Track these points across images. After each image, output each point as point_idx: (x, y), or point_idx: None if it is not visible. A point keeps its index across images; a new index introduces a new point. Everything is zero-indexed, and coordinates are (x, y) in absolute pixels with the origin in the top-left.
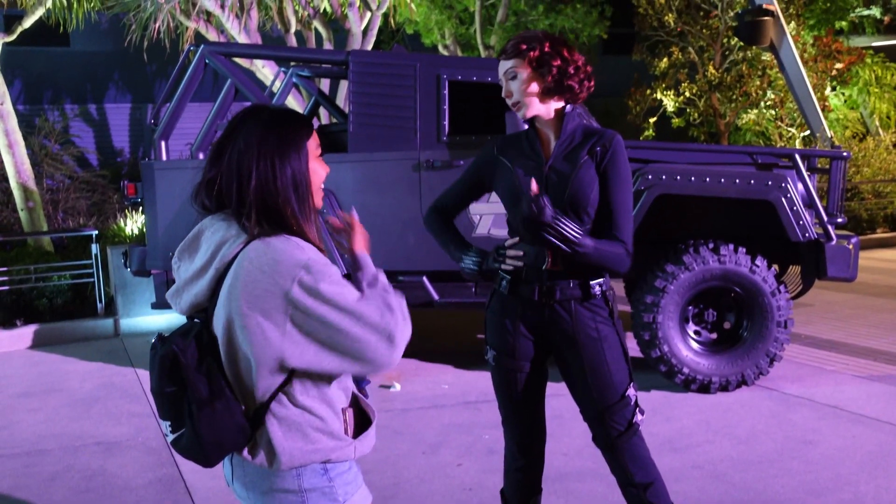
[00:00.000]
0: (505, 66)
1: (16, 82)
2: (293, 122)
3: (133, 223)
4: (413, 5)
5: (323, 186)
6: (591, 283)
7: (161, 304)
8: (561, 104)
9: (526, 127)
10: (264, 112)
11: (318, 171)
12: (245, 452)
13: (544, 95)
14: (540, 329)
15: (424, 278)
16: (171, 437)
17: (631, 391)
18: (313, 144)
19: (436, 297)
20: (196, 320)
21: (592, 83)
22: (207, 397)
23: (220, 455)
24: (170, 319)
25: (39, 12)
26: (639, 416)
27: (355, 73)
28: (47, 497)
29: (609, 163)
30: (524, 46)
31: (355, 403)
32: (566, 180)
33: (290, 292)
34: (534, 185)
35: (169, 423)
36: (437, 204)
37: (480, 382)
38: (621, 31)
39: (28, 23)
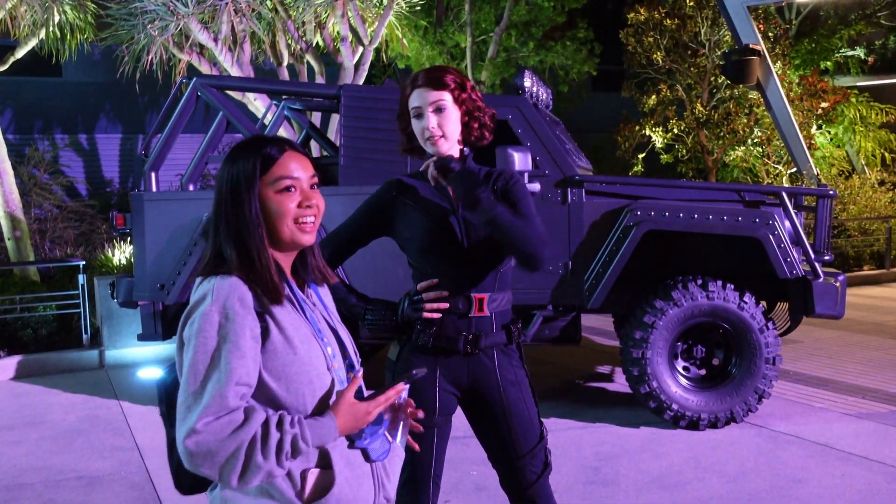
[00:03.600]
0: (431, 96)
1: (6, 111)
2: (251, 151)
3: (121, 253)
4: (405, 41)
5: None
6: (511, 327)
7: (147, 336)
8: (460, 145)
9: (519, 159)
10: (241, 143)
11: (283, 202)
12: (211, 486)
13: (461, 133)
14: (460, 380)
15: None
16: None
17: (545, 430)
18: (279, 174)
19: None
20: None
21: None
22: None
23: (187, 488)
24: (157, 351)
25: (32, 43)
26: (550, 457)
27: (347, 106)
28: None
29: (509, 190)
30: (452, 79)
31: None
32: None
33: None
34: (432, 169)
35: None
36: (325, 245)
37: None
38: (610, 67)
39: (21, 53)
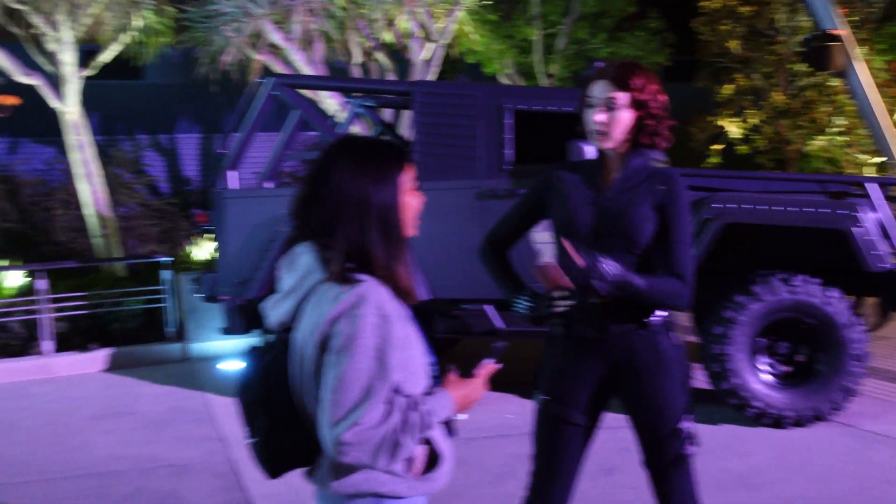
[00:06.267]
0: (604, 91)
1: (93, 115)
2: (385, 152)
3: (201, 250)
4: (477, 35)
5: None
6: (645, 311)
7: (230, 330)
8: (630, 141)
9: (588, 156)
10: (357, 142)
11: (411, 204)
12: (308, 471)
13: (630, 132)
14: (598, 369)
15: (485, 306)
16: (248, 441)
17: (685, 423)
18: (407, 177)
19: (497, 325)
20: (281, 337)
21: (670, 135)
22: (276, 412)
23: (281, 468)
24: (238, 344)
25: (116, 48)
26: (691, 449)
27: (419, 103)
28: None
29: (669, 201)
30: (631, 78)
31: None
32: (621, 213)
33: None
34: (574, 255)
35: (247, 428)
36: (492, 236)
37: None
38: (683, 57)
39: (106, 58)
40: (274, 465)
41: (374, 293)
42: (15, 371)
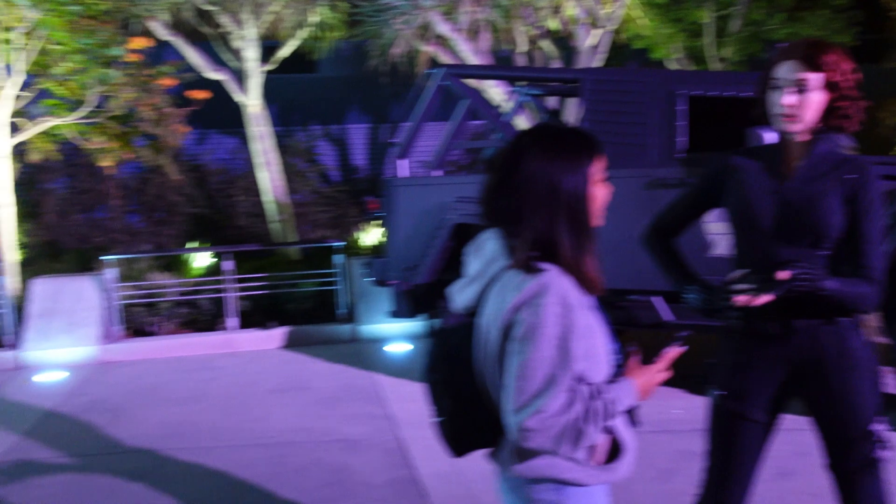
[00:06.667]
0: (793, 72)
1: (271, 107)
2: (577, 142)
3: (369, 235)
4: (646, 20)
5: None
6: (830, 305)
7: (398, 314)
8: (819, 125)
9: (767, 141)
10: (549, 130)
11: (600, 195)
12: (490, 452)
13: (821, 116)
14: (780, 366)
15: (653, 298)
16: (434, 420)
17: (876, 425)
18: (597, 167)
19: (665, 317)
20: (466, 321)
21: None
22: (460, 394)
23: (465, 447)
24: (405, 328)
25: (294, 43)
26: (882, 453)
27: (588, 90)
28: (299, 486)
29: (860, 193)
30: (830, 60)
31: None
32: (808, 204)
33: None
34: (782, 275)
35: (433, 407)
36: (658, 223)
37: None
38: (871, 37)
39: (285, 52)
40: (458, 444)
41: (556, 282)
42: (204, 344)
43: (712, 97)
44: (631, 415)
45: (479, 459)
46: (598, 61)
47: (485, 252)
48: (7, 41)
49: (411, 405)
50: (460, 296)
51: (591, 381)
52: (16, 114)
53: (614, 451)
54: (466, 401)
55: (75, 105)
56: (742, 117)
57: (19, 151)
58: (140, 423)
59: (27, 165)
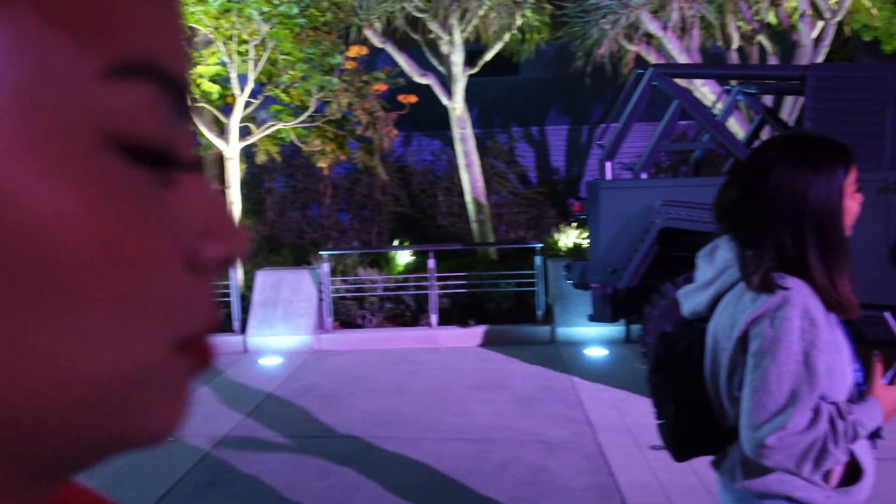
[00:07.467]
0: None
1: (473, 109)
2: (830, 152)
3: (567, 238)
4: (875, 9)
5: None
6: None
7: (597, 318)
8: None
9: None
10: (801, 140)
11: (852, 208)
12: (713, 460)
13: None
14: None
15: (887, 314)
16: (657, 422)
17: None
18: (850, 180)
19: None
20: (695, 327)
21: None
22: (683, 398)
23: (687, 453)
24: (603, 332)
25: (498, 47)
26: None
27: (814, 87)
28: (498, 482)
29: None
30: None
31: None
32: None
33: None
34: None
35: (655, 410)
36: None
37: None
38: None
39: (489, 56)
40: (680, 448)
41: (799, 295)
42: (407, 339)
43: None
44: (872, 437)
45: (679, 472)
46: (821, 56)
47: (717, 259)
48: (242, 53)
49: (610, 411)
50: (689, 301)
51: (834, 400)
52: (244, 119)
53: (849, 474)
54: (689, 406)
55: (298, 110)
56: None
57: (246, 153)
58: (348, 410)
59: (252, 166)
